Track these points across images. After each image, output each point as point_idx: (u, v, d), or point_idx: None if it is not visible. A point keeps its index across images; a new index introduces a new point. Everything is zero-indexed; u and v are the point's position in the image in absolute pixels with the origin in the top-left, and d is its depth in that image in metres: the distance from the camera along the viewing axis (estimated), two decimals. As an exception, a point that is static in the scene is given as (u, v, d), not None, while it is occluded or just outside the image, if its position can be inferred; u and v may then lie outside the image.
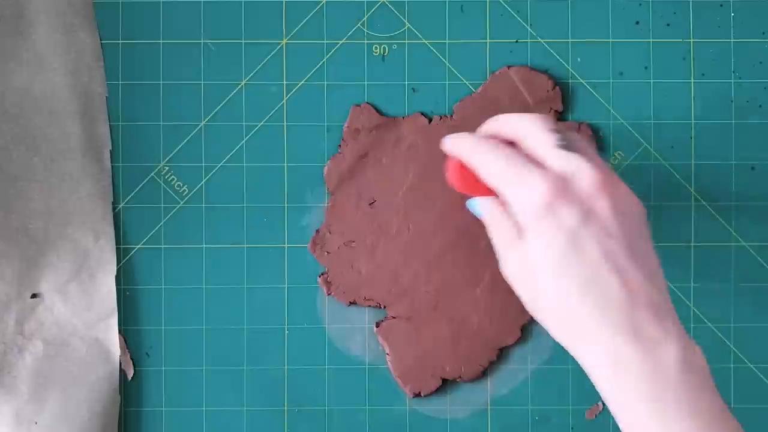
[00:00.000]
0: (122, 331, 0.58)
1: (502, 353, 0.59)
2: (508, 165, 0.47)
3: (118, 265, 0.58)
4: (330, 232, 0.59)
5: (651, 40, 0.59)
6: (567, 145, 0.46)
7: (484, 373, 0.59)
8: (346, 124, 0.59)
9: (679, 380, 0.42)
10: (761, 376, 0.59)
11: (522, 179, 0.46)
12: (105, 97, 0.58)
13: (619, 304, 0.43)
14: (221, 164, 0.59)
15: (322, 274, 0.59)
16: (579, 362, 0.46)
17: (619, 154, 0.59)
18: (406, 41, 0.59)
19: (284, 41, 0.59)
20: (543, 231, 0.45)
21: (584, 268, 0.44)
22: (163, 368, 0.59)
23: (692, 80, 0.59)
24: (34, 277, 0.58)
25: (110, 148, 0.58)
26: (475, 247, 0.58)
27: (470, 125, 0.59)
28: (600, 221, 0.45)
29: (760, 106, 0.59)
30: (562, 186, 0.45)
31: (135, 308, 0.59)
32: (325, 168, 0.59)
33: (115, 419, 0.58)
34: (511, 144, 0.49)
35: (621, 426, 0.44)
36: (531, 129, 0.48)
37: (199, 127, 0.59)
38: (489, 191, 0.49)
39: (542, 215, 0.45)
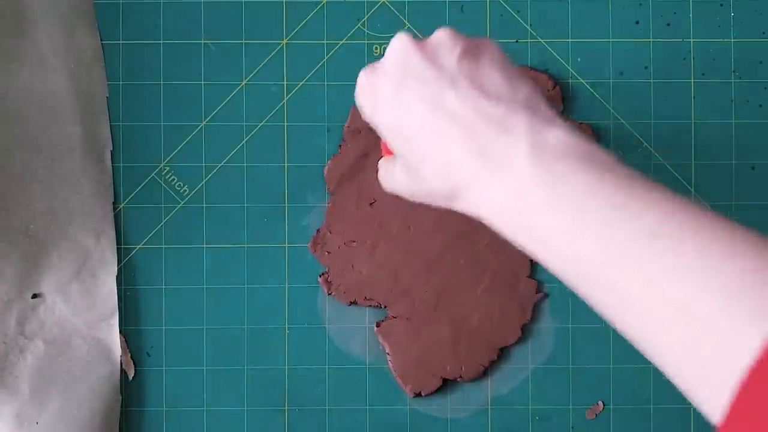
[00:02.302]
0: (123, 331, 0.58)
1: (503, 353, 0.59)
2: (358, 84, 0.47)
3: (118, 265, 0.58)
4: (330, 232, 0.59)
5: (651, 40, 0.59)
6: None
7: (484, 373, 0.59)
8: (346, 124, 0.59)
9: (535, 182, 0.39)
10: (761, 375, 0.59)
11: (358, 87, 0.47)
12: (106, 97, 0.59)
13: (458, 138, 0.41)
14: (222, 164, 0.59)
15: (323, 274, 0.59)
16: (470, 213, 0.43)
17: (619, 153, 0.59)
18: (406, 41, 0.59)
19: (284, 41, 0.59)
20: (375, 112, 0.45)
21: (418, 119, 0.43)
22: (163, 368, 0.59)
23: (692, 80, 0.59)
24: (36, 277, 0.58)
25: (111, 148, 0.59)
26: (475, 247, 0.58)
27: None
28: (414, 73, 0.43)
29: (760, 106, 0.59)
30: (373, 69, 0.46)
31: (136, 308, 0.59)
32: (326, 168, 0.59)
33: (116, 419, 0.58)
34: None
35: (537, 259, 0.41)
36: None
37: (199, 128, 0.59)
38: None
39: (371, 104, 0.45)
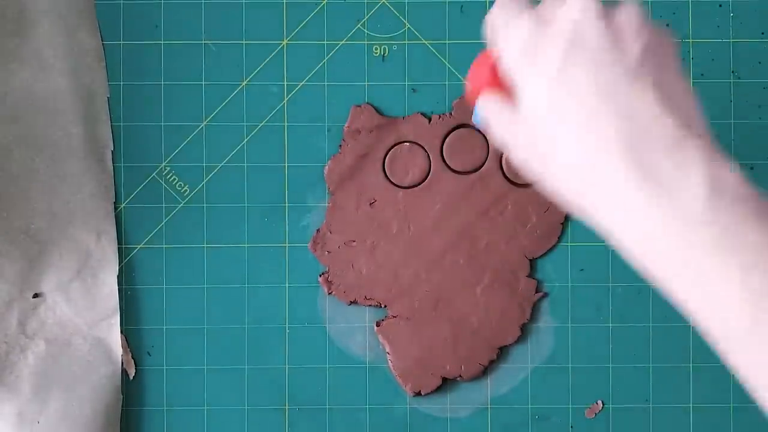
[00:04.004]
0: (124, 331, 0.58)
1: (502, 352, 0.59)
2: (503, 20, 0.42)
3: (119, 264, 0.58)
4: (330, 232, 0.59)
5: (651, 40, 0.59)
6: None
7: (484, 372, 0.59)
8: (346, 125, 0.59)
9: (704, 221, 0.34)
10: (761, 375, 0.59)
11: (507, 28, 0.41)
12: (107, 97, 0.59)
13: (620, 141, 0.36)
14: (222, 164, 0.59)
15: (323, 273, 0.59)
16: (608, 236, 0.38)
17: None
18: (406, 41, 0.59)
19: (285, 42, 0.59)
20: (528, 76, 0.39)
21: (578, 106, 0.37)
22: (164, 367, 0.59)
23: (692, 80, 0.59)
24: (37, 277, 0.58)
25: (112, 148, 0.59)
26: (474, 247, 0.58)
27: (470, 123, 0.59)
28: (589, 50, 0.38)
29: (759, 106, 0.59)
30: (541, 22, 0.39)
31: (136, 308, 0.59)
32: (326, 168, 0.59)
33: (117, 418, 0.58)
34: None
35: (665, 290, 0.37)
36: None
37: (200, 128, 0.59)
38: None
39: (524, 60, 0.39)
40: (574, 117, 0.38)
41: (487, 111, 0.42)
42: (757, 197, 0.35)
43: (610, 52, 0.38)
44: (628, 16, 0.39)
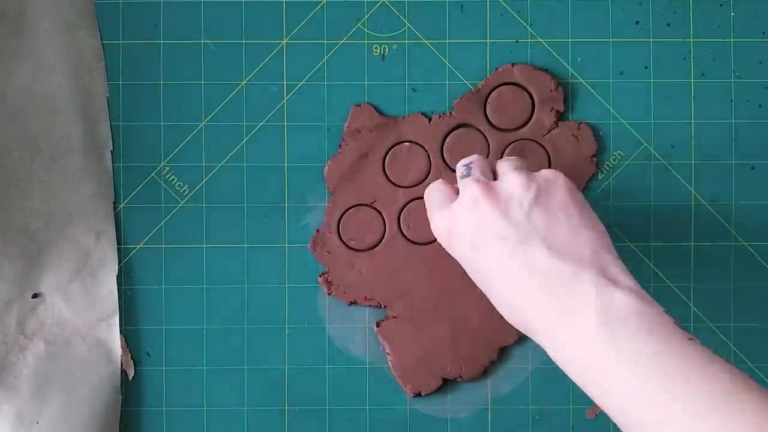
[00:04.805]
0: (123, 331, 0.58)
1: (503, 353, 0.59)
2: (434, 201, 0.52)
3: (118, 264, 0.58)
4: (330, 232, 0.59)
5: (651, 40, 0.59)
6: (467, 173, 0.51)
7: (484, 373, 0.59)
8: (346, 124, 0.59)
9: (599, 337, 0.43)
10: (761, 375, 0.59)
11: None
12: (106, 97, 0.59)
13: (535, 289, 0.46)
14: (222, 164, 0.59)
15: (323, 273, 0.59)
16: (543, 347, 0.47)
17: (619, 154, 0.59)
18: (406, 41, 0.59)
19: (284, 41, 0.59)
20: (453, 250, 0.50)
21: (493, 263, 0.48)
22: (163, 368, 0.59)
23: (692, 80, 0.59)
24: (36, 277, 0.58)
25: (111, 148, 0.59)
26: (475, 247, 0.58)
27: (470, 122, 0.59)
28: (488, 230, 0.48)
29: (760, 106, 0.59)
30: (453, 218, 0.50)
31: (135, 308, 0.59)
32: (326, 168, 0.59)
33: (117, 419, 0.58)
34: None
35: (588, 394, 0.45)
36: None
37: (199, 127, 0.59)
38: None
39: (448, 237, 0.50)
40: (496, 274, 0.47)
41: (440, 228, 0.51)
42: (642, 309, 0.43)
43: (504, 224, 0.47)
44: (510, 184, 0.48)
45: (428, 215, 0.52)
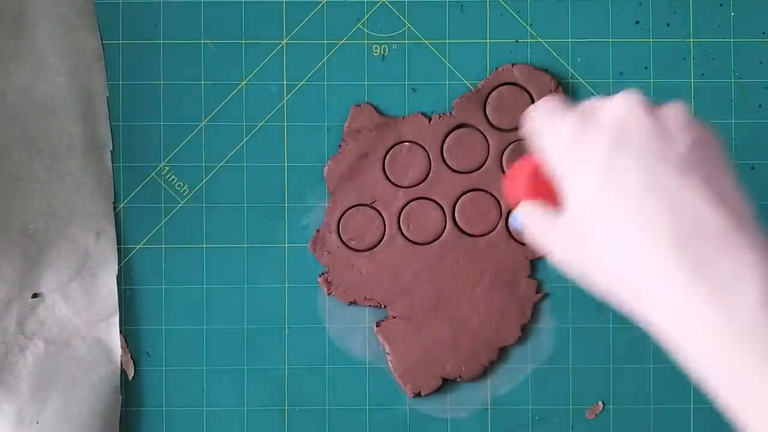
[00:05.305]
0: (123, 331, 0.58)
1: (503, 353, 0.59)
2: (546, 120, 0.42)
3: (118, 264, 0.58)
4: (330, 232, 0.59)
5: (651, 40, 0.59)
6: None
7: (484, 373, 0.59)
8: (346, 124, 0.59)
9: (758, 324, 0.33)
10: (761, 375, 0.59)
11: (550, 126, 0.41)
12: (106, 97, 0.59)
13: (673, 237, 0.35)
14: (222, 164, 0.59)
15: (323, 273, 0.59)
16: (652, 330, 0.37)
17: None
18: (406, 41, 0.59)
19: (284, 41, 0.59)
20: (576, 174, 0.39)
21: (627, 200, 0.37)
22: (163, 368, 0.59)
23: (692, 80, 0.59)
24: (35, 277, 0.58)
25: (111, 148, 0.59)
26: (474, 247, 0.58)
27: (470, 122, 0.59)
28: (637, 145, 0.38)
29: (760, 106, 0.59)
30: (585, 118, 0.40)
31: (135, 308, 0.59)
32: (326, 168, 0.59)
33: (116, 419, 0.58)
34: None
35: (707, 389, 0.36)
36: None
37: (199, 127, 0.59)
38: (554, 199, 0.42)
39: (570, 157, 0.39)
40: (623, 213, 0.37)
41: (529, 218, 0.43)
42: None
43: (658, 147, 0.37)
44: (675, 113, 0.39)
45: (540, 135, 0.42)
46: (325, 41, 0.59)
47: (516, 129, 0.59)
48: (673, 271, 0.35)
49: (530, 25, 0.59)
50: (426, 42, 0.59)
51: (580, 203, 0.39)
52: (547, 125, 0.41)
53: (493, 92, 0.59)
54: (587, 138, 0.39)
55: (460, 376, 0.58)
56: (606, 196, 0.37)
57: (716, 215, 0.36)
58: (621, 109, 0.39)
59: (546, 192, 0.42)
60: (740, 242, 0.35)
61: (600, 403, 0.59)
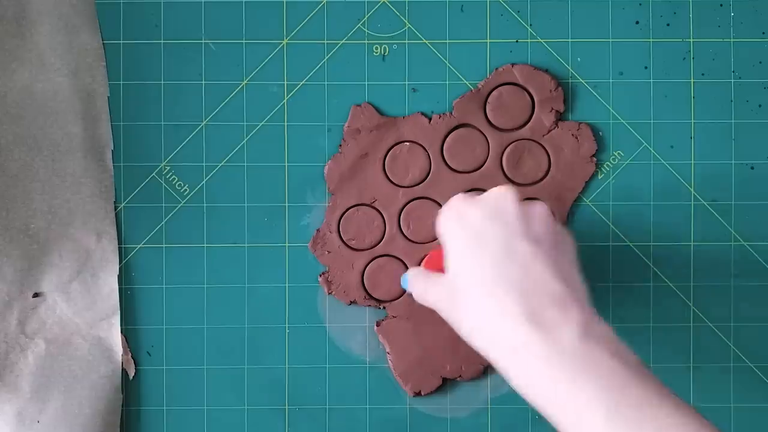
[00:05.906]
0: (123, 331, 0.58)
1: (503, 352, 0.59)
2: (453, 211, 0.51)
3: (119, 264, 0.58)
4: (330, 232, 0.59)
5: (651, 40, 0.59)
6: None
7: (484, 373, 0.59)
8: (346, 124, 0.59)
9: (574, 354, 0.44)
10: (761, 375, 0.59)
11: (454, 212, 0.50)
12: (107, 97, 0.59)
13: (519, 292, 0.46)
14: (222, 164, 0.59)
15: (323, 273, 0.59)
16: (502, 373, 0.46)
17: (619, 154, 0.59)
18: (406, 41, 0.59)
19: (285, 41, 0.59)
20: (455, 240, 0.49)
21: (488, 259, 0.47)
22: (164, 367, 0.59)
23: (692, 80, 0.59)
24: (36, 277, 0.58)
25: (112, 147, 0.59)
26: (475, 246, 0.58)
27: (470, 122, 0.59)
28: (504, 219, 0.48)
29: (760, 106, 0.59)
30: (469, 199, 0.50)
31: (136, 307, 0.59)
32: (326, 168, 0.59)
33: (117, 418, 0.58)
34: None
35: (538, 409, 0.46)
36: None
37: (200, 127, 0.59)
38: None
39: (456, 225, 0.49)
40: (485, 270, 0.47)
41: (413, 279, 0.53)
42: (616, 341, 0.45)
43: (520, 225, 0.48)
44: (540, 207, 0.49)
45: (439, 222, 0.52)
46: (326, 41, 0.59)
47: (516, 129, 0.59)
48: (517, 316, 0.45)
49: (530, 25, 0.59)
50: (426, 42, 0.59)
51: (454, 261, 0.49)
52: (452, 212, 0.51)
53: (493, 92, 0.59)
54: (469, 212, 0.49)
55: (460, 376, 0.58)
56: (472, 253, 0.48)
57: (554, 281, 0.46)
58: (500, 193, 0.49)
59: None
60: (568, 301, 0.45)
61: (600, 402, 0.59)
